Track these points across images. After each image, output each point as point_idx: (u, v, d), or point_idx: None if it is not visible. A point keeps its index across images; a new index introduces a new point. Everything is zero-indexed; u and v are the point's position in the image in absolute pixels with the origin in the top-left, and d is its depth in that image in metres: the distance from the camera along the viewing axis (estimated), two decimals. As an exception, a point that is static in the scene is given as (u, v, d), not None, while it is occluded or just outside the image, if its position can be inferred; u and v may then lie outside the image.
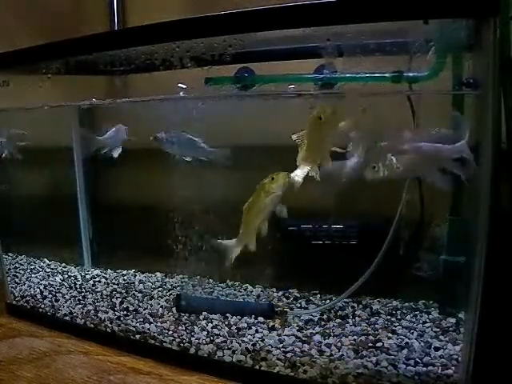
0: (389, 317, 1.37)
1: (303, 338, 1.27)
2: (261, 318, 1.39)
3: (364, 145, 1.15)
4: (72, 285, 1.78)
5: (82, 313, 1.53)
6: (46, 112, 1.64)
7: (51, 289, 1.74)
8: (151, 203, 1.79)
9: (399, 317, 1.37)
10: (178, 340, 1.33)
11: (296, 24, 1.03)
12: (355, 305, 1.45)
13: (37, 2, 2.06)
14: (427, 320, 1.33)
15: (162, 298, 1.60)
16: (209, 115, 1.35)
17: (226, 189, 1.46)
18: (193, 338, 1.32)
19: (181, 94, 1.34)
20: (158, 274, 1.85)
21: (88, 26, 1.91)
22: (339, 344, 1.23)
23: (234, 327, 1.36)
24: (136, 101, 1.55)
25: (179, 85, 1.33)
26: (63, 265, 2.02)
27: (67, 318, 1.55)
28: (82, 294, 1.68)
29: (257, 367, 1.22)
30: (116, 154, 1.61)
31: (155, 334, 1.37)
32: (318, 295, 1.54)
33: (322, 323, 1.36)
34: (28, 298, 1.68)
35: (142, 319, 1.45)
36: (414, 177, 1.24)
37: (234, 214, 1.34)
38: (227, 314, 1.42)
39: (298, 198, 1.14)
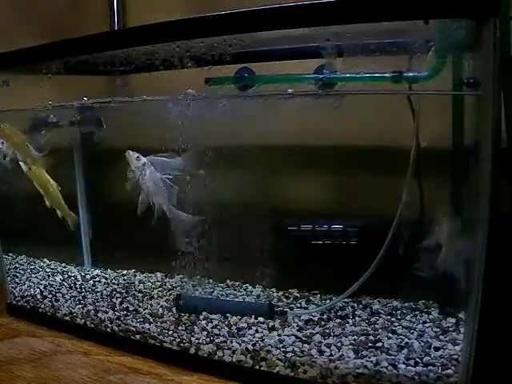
0: (389, 317, 1.37)
1: (303, 338, 1.27)
2: (261, 318, 1.39)
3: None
4: (72, 285, 1.78)
5: (82, 313, 1.53)
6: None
7: (51, 289, 1.74)
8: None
9: (399, 317, 1.37)
10: (178, 340, 1.33)
11: (296, 24, 1.03)
12: (355, 305, 1.45)
13: (37, 2, 2.06)
14: (427, 320, 1.33)
15: (161, 298, 1.60)
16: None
17: (225, 188, 1.46)
18: (193, 338, 1.32)
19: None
20: (158, 274, 1.84)
21: (88, 25, 1.91)
22: (339, 344, 1.23)
23: (233, 327, 1.36)
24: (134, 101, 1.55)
25: (188, 90, 1.33)
26: (63, 265, 2.02)
27: (67, 318, 1.55)
28: (82, 294, 1.68)
29: (257, 367, 1.22)
30: None
31: (155, 334, 1.37)
32: (318, 295, 1.54)
33: (322, 323, 1.36)
34: (28, 298, 1.68)
35: (141, 319, 1.45)
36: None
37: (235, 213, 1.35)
38: (227, 314, 1.42)
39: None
